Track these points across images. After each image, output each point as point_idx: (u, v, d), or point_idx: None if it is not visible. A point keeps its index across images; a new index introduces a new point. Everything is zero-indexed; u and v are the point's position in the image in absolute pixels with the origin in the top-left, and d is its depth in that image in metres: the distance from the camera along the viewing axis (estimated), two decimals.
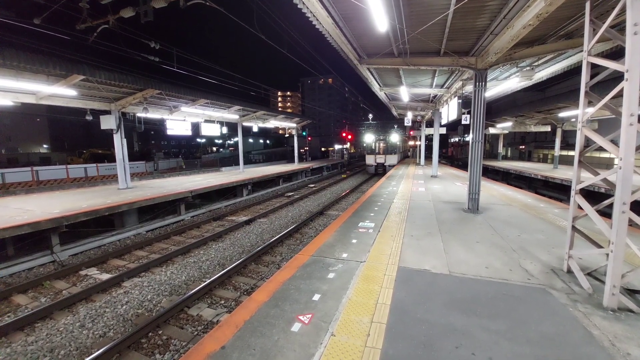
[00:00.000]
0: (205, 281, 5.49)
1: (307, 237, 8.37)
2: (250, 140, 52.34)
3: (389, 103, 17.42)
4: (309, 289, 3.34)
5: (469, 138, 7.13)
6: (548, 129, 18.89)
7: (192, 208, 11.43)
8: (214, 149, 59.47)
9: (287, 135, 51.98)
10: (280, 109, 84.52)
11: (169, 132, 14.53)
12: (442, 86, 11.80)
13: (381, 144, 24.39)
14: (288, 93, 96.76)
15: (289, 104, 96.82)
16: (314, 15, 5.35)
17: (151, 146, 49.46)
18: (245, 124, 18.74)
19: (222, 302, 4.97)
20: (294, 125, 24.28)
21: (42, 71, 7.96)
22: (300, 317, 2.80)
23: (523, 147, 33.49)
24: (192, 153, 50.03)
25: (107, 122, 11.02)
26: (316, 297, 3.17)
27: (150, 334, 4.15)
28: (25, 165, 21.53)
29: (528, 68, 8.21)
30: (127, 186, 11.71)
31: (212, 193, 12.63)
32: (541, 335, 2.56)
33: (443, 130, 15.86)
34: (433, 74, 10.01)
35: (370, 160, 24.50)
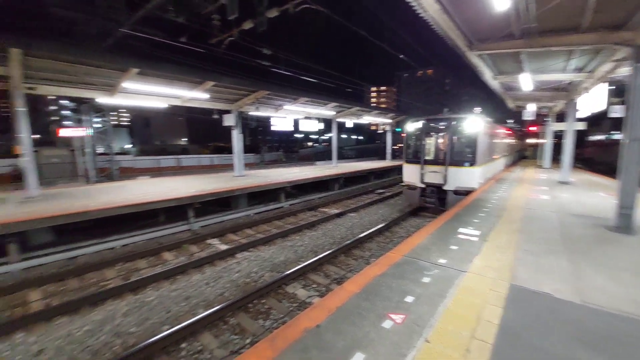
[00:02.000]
0: (300, 264, 5.99)
1: (397, 236, 8.12)
2: (343, 136, 53.71)
3: (504, 93, 14.98)
4: (400, 289, 3.26)
5: (621, 136, 5.51)
6: None
7: (290, 197, 12.58)
8: (309, 144, 63.57)
9: (380, 132, 51.08)
10: (373, 104, 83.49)
11: (273, 128, 16.31)
12: (580, 70, 9.42)
13: (439, 140, 10.41)
14: (382, 88, 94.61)
15: (383, 99, 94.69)
16: (419, 4, 5.06)
17: (258, 141, 56.50)
18: (340, 120, 19.31)
19: (314, 286, 5.35)
20: (389, 121, 23.65)
21: (186, 79, 10.02)
22: (392, 316, 2.77)
23: None
24: (290, 147, 54.80)
25: (228, 120, 13.14)
26: (409, 298, 3.07)
27: (255, 301, 4.83)
28: (171, 154, 27.81)
29: None
30: (241, 174, 13.76)
31: (307, 185, 13.56)
32: None
33: (580, 126, 12.71)
34: (567, 55, 8.08)
35: (410, 174, 10.77)
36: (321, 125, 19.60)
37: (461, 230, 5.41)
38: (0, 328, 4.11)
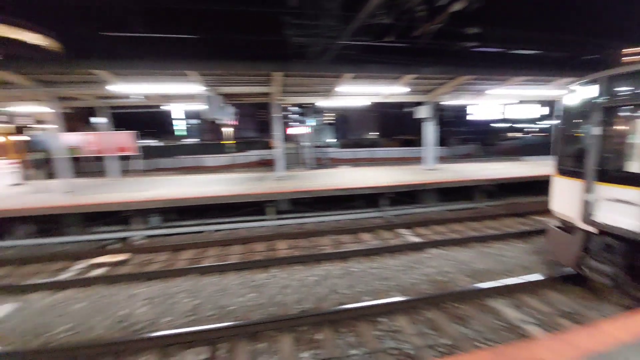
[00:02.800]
0: (509, 278, 5.07)
1: None
2: None
3: None
4: None
5: None
6: None
7: (488, 197, 10.83)
8: (514, 134, 51.85)
9: None
10: None
11: (470, 117, 14.48)
12: None
13: None
14: None
15: None
16: None
17: (448, 132, 52.42)
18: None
19: (530, 310, 4.36)
20: None
21: (384, 77, 10.59)
22: None
23: None
24: (487, 139, 46.93)
25: (422, 112, 12.87)
26: None
27: (448, 302, 4.56)
28: (364, 147, 31.03)
29: None
30: (432, 168, 13.29)
31: (513, 185, 11.14)
32: None
33: None
34: None
35: (564, 198, 4.94)
36: (537, 111, 15.43)
37: None
38: (264, 262, 6.16)
